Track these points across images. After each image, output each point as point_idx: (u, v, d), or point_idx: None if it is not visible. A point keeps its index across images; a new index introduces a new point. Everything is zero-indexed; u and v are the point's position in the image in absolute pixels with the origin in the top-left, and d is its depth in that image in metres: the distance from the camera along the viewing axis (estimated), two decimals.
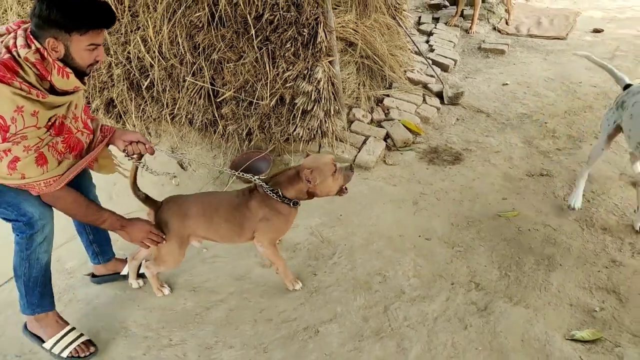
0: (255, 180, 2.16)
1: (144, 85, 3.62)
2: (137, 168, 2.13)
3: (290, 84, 3.28)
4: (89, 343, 2.15)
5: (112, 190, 3.29)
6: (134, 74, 3.61)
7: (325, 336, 2.13)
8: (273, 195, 2.10)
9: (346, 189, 2.21)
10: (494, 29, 5.74)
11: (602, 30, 5.56)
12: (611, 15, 6.06)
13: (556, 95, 4.21)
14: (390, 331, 2.13)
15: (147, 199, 2.17)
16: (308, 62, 3.21)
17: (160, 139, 3.90)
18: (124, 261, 2.53)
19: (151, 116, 3.77)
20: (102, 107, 3.89)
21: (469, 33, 5.48)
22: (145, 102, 3.73)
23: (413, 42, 4.49)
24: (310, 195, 2.16)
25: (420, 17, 5.75)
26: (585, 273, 2.41)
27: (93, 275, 2.54)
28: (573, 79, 4.46)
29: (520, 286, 2.35)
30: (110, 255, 2.51)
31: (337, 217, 2.91)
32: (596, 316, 2.17)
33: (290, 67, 3.23)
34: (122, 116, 3.86)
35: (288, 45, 3.15)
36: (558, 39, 5.44)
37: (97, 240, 2.42)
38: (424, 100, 4.12)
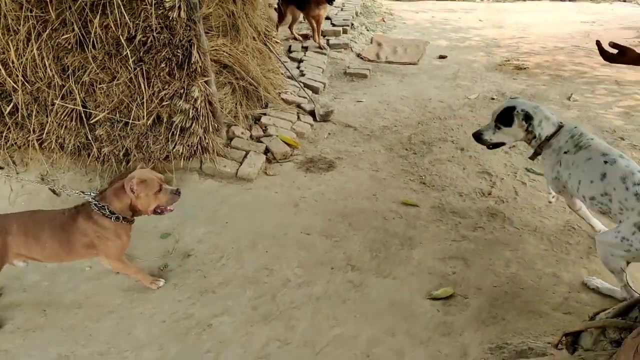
0: (83, 196, 2.19)
1: (6, 110, 3.43)
2: None
3: (166, 102, 3.37)
4: None
5: None
6: None
7: (218, 327, 2.23)
8: (99, 211, 2.14)
9: (169, 209, 2.28)
10: (358, 55, 6.40)
11: (446, 57, 6.50)
12: (453, 44, 7.11)
13: (410, 110, 4.84)
14: (279, 314, 2.31)
15: None
16: (184, 81, 3.35)
17: (28, 167, 3.68)
18: None
19: (15, 143, 3.56)
20: None
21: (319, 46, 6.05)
22: (8, 128, 3.52)
23: (285, 66, 4.86)
24: (133, 209, 2.21)
25: (290, 46, 6.20)
26: (440, 247, 2.84)
27: None
28: (424, 96, 5.16)
29: (389, 263, 2.69)
30: None
31: (223, 225, 3.04)
32: (449, 279, 2.58)
33: (166, 87, 3.34)
34: None
35: (163, 65, 3.26)
36: (411, 64, 6.23)
37: None
38: (299, 118, 4.47)
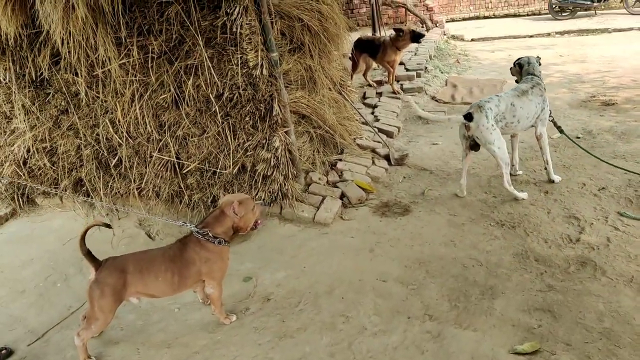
0: (187, 226, 2.46)
1: (112, 163, 3.87)
2: (89, 228, 2.35)
3: (250, 152, 3.62)
4: None
5: (82, 264, 3.41)
6: (103, 154, 3.87)
7: None
8: (206, 238, 2.38)
9: (261, 223, 2.60)
10: (433, 98, 6.43)
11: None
12: None
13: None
14: None
15: (88, 254, 2.35)
16: (266, 132, 3.58)
17: (128, 213, 4.08)
18: None
19: (119, 192, 3.97)
20: (70, 187, 4.07)
21: (393, 91, 6.25)
22: (113, 178, 3.95)
23: (359, 113, 5.02)
24: (236, 230, 2.47)
25: (365, 93, 6.39)
26: (524, 298, 2.71)
27: None
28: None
29: (469, 314, 2.61)
30: None
31: (301, 269, 3.14)
32: (535, 332, 2.44)
33: (250, 138, 3.59)
34: (90, 193, 4.05)
35: (247, 118, 3.53)
36: None
37: None
38: (373, 162, 4.55)
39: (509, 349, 2.32)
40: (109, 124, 3.75)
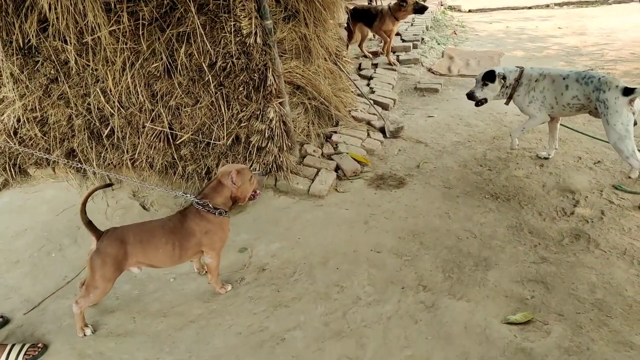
0: (186, 197, 2.44)
1: (104, 133, 3.80)
2: (91, 193, 2.34)
3: (244, 124, 3.56)
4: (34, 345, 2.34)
5: (77, 234, 3.39)
6: (95, 124, 3.79)
7: (291, 341, 2.31)
8: (206, 209, 2.37)
9: (259, 193, 2.58)
10: (429, 70, 6.35)
11: (523, 68, 6.24)
12: (530, 55, 6.83)
13: (485, 124, 4.71)
14: (350, 331, 2.34)
15: (89, 224, 2.33)
16: (260, 103, 3.52)
17: (122, 184, 4.04)
18: None
19: (112, 162, 3.92)
20: (63, 157, 4.00)
21: (389, 62, 6.15)
22: (106, 149, 3.89)
23: (355, 84, 4.94)
24: (234, 200, 2.46)
25: (360, 64, 6.29)
26: (517, 269, 2.73)
27: None
28: (499, 110, 4.99)
29: (462, 285, 2.63)
30: None
31: (296, 240, 3.14)
32: (528, 303, 2.47)
33: (244, 109, 3.53)
34: (83, 164, 3.99)
35: (241, 88, 3.46)
36: None
37: None
38: (369, 135, 4.51)
39: (502, 319, 2.36)
40: (100, 93, 3.66)
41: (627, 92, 3.08)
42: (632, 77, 5.42)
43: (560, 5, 9.90)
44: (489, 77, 3.61)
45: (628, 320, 2.30)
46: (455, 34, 7.97)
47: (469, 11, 10.19)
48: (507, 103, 3.78)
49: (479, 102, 3.74)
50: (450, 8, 10.22)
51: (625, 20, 8.06)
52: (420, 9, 5.76)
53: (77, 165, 3.04)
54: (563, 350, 2.16)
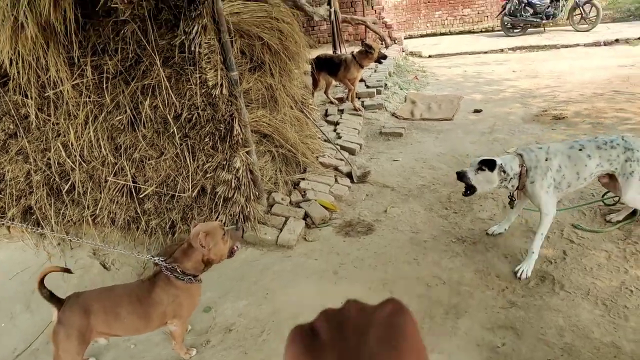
0: (154, 260, 2.29)
1: (64, 189, 3.69)
2: (47, 272, 2.17)
3: (210, 174, 3.53)
4: None
5: (30, 299, 3.21)
6: (54, 179, 3.68)
7: None
8: (175, 275, 2.23)
9: (237, 248, 2.43)
10: (393, 114, 6.52)
11: (482, 110, 6.51)
12: (488, 97, 7.14)
13: (448, 167, 4.82)
14: None
15: (51, 297, 2.19)
16: (226, 153, 3.51)
17: (81, 242, 3.89)
18: None
19: (72, 219, 3.79)
20: (19, 216, 3.85)
21: (354, 108, 6.29)
22: (66, 205, 3.77)
23: (321, 131, 5.01)
24: (207, 263, 2.32)
25: (327, 110, 6.41)
26: (487, 315, 2.74)
27: None
28: (461, 152, 5.15)
29: (434, 335, 2.61)
30: None
31: (264, 296, 3.06)
32: (499, 351, 2.46)
33: (210, 159, 3.51)
34: (40, 222, 3.84)
35: (207, 139, 3.45)
36: (446, 120, 6.28)
37: None
38: (336, 180, 4.55)
39: None
40: (61, 147, 3.58)
41: None
42: (582, 117, 5.72)
43: (513, 49, 10.48)
44: (487, 163, 3.02)
45: None
46: (417, 79, 8.27)
47: (429, 56, 10.65)
48: (511, 205, 3.27)
49: (467, 191, 3.13)
50: (412, 54, 10.66)
51: (573, 64, 8.58)
52: (381, 57, 5.98)
53: (34, 230, 2.90)
54: None
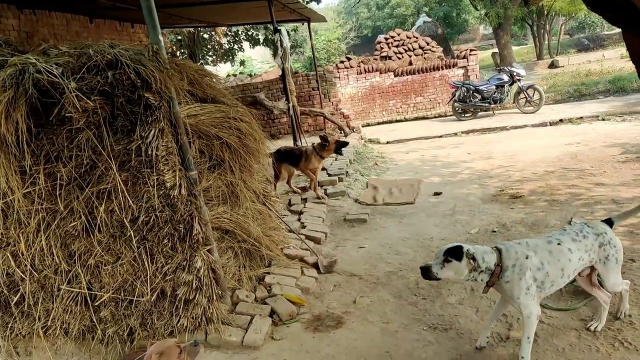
0: None
1: (12, 301, 3.47)
2: None
3: (170, 276, 3.41)
4: None
5: None
6: (2, 291, 3.47)
7: None
8: None
9: None
10: (356, 201, 6.63)
11: (441, 193, 6.70)
12: (446, 180, 7.40)
13: (414, 251, 4.85)
14: None
15: None
16: (186, 253, 3.43)
17: (31, 357, 3.59)
18: None
19: (20, 333, 3.53)
20: None
21: (317, 196, 6.40)
22: (14, 318, 3.52)
23: (284, 222, 5.01)
24: None
25: (290, 200, 6.47)
26: None
27: None
28: (425, 236, 5.21)
29: None
30: None
31: None
32: None
33: (169, 261, 3.41)
34: None
35: (165, 241, 3.38)
36: (408, 203, 6.42)
37: None
38: (302, 272, 4.46)
39: None
40: (10, 257, 3.41)
41: (610, 223, 3.06)
42: (538, 195, 5.96)
43: (466, 133, 11.10)
44: (453, 253, 2.73)
45: None
46: (377, 164, 8.57)
47: (387, 142, 11.13)
48: (485, 291, 2.90)
49: (428, 275, 2.80)
50: (370, 141, 11.13)
51: (524, 143, 9.12)
52: (344, 144, 6.23)
53: None
54: None
